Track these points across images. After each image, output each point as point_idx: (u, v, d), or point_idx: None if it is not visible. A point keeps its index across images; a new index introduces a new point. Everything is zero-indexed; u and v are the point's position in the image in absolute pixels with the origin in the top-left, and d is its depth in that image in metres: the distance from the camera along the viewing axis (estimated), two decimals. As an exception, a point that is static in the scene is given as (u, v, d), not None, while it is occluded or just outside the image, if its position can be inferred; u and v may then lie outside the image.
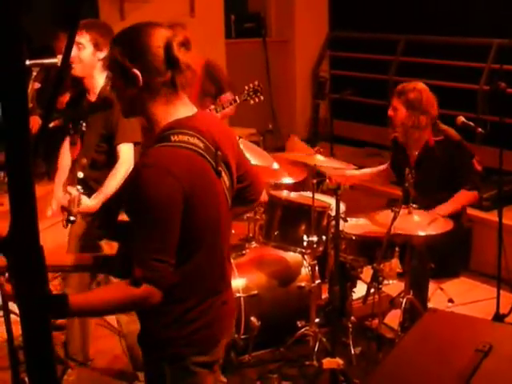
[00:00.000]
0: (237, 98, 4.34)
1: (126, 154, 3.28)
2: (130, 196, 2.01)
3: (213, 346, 2.16)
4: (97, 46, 3.27)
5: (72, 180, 3.29)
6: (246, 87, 4.32)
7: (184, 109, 2.08)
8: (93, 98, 3.38)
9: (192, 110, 2.11)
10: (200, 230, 2.04)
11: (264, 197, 2.46)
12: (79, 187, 3.22)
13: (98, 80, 3.36)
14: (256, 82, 4.32)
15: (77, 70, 3.30)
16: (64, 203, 3.24)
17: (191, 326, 2.09)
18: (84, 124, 3.37)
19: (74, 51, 3.24)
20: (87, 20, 3.37)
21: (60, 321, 4.17)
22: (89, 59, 3.28)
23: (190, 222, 1.99)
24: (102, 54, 3.28)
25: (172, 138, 1.98)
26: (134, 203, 1.98)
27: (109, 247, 2.29)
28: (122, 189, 2.21)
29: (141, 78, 2.00)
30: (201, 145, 2.01)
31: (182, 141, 1.98)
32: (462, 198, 4.04)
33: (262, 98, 4.39)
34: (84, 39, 3.26)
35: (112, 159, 3.31)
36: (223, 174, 2.10)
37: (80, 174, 3.21)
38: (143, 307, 2.01)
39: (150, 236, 1.94)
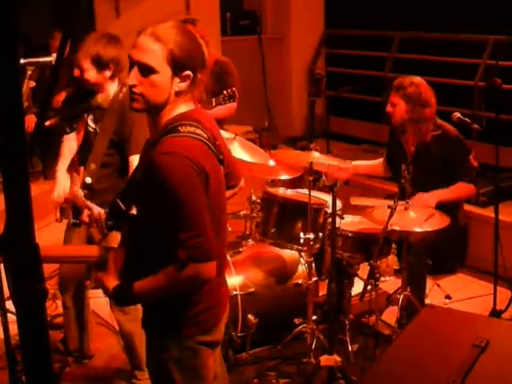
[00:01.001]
0: (213, 100, 4.35)
1: None
2: (149, 186, 2.07)
3: (215, 326, 2.26)
4: (99, 67, 3.22)
5: (74, 169, 3.29)
6: (225, 92, 4.34)
7: (184, 104, 2.17)
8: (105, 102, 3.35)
9: (191, 104, 2.20)
10: (211, 213, 2.12)
11: (242, 183, 2.54)
12: (85, 191, 3.22)
13: (110, 88, 3.32)
14: (233, 88, 4.36)
15: (86, 85, 3.29)
16: (89, 217, 3.23)
17: (197, 307, 2.19)
18: (96, 127, 3.36)
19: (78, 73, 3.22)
20: (88, 38, 3.27)
21: (59, 319, 4.18)
22: (95, 79, 3.26)
23: (209, 204, 2.10)
24: (108, 72, 3.24)
25: (180, 129, 2.09)
26: (157, 191, 2.04)
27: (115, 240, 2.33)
28: (130, 182, 2.27)
29: (191, 77, 2.11)
30: (205, 135, 2.13)
31: (190, 131, 2.09)
32: (459, 189, 4.03)
33: (234, 104, 4.50)
34: (85, 64, 3.23)
35: (122, 165, 3.30)
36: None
37: (88, 180, 3.21)
38: (199, 284, 2.11)
39: (182, 216, 2.03)
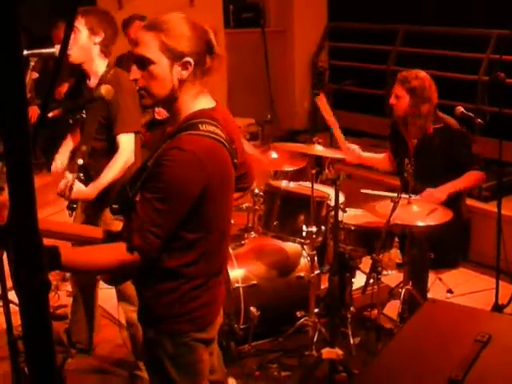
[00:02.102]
0: None
1: (126, 144, 3.27)
2: (151, 173, 2.05)
3: (210, 324, 2.26)
4: (92, 30, 3.26)
5: (72, 167, 3.29)
6: None
7: (205, 100, 2.16)
8: (93, 84, 3.34)
9: (212, 102, 2.19)
10: (216, 213, 2.14)
11: (254, 185, 2.54)
12: (80, 174, 3.22)
13: (99, 66, 3.33)
14: None
15: (73, 56, 3.27)
16: (61, 187, 3.23)
17: (194, 304, 2.18)
18: (84, 111, 3.36)
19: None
20: (85, 7, 3.37)
21: (61, 310, 4.19)
22: (84, 42, 3.26)
23: (209, 207, 2.09)
24: (98, 38, 3.28)
25: (200, 127, 2.06)
26: (154, 179, 2.03)
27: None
28: (140, 170, 2.24)
29: (193, 64, 2.07)
30: (223, 136, 2.11)
31: (209, 131, 2.07)
32: (471, 177, 4.00)
33: None
34: (79, 23, 3.24)
35: (112, 147, 3.30)
36: None
37: (80, 161, 3.21)
38: (122, 273, 2.12)
39: (158, 211, 2.01)
